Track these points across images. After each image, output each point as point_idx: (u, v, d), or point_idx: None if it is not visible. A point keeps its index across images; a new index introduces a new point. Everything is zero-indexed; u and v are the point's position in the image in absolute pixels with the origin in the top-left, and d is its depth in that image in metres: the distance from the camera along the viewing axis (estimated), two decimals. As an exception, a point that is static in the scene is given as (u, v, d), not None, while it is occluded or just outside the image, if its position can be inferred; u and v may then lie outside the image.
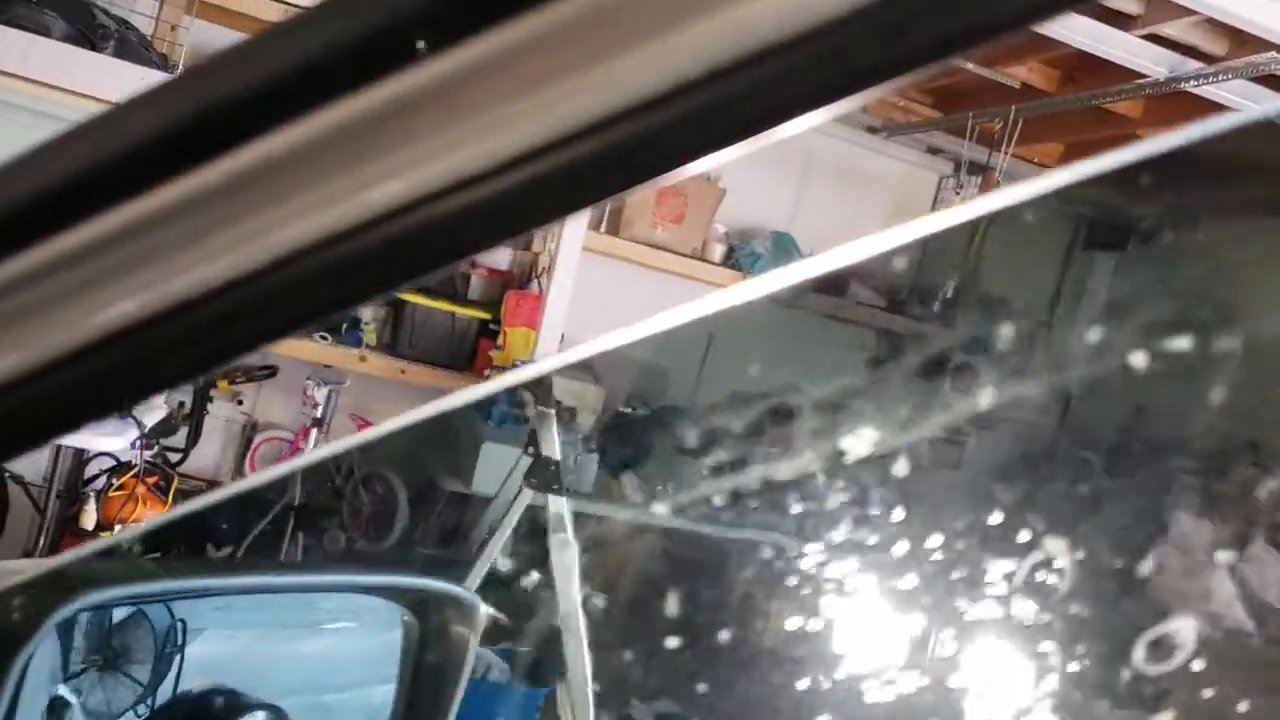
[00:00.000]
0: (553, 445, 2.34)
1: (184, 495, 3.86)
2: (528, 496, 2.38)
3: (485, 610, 1.14)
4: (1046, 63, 4.42)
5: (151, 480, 3.68)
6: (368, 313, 4.66)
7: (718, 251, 5.13)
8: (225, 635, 1.19)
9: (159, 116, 0.36)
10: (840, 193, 5.43)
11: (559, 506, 2.24)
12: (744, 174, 5.01)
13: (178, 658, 1.11)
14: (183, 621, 1.12)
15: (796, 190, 5.39)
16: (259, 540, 3.66)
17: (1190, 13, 3.32)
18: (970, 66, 4.26)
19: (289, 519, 3.75)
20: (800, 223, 5.37)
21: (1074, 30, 3.60)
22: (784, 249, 5.20)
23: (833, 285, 5.21)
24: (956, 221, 0.50)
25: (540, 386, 2.47)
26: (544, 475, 2.30)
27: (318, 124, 0.34)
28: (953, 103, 5.09)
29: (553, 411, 2.33)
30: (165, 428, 3.96)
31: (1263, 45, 3.37)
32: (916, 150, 5.60)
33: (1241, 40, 3.45)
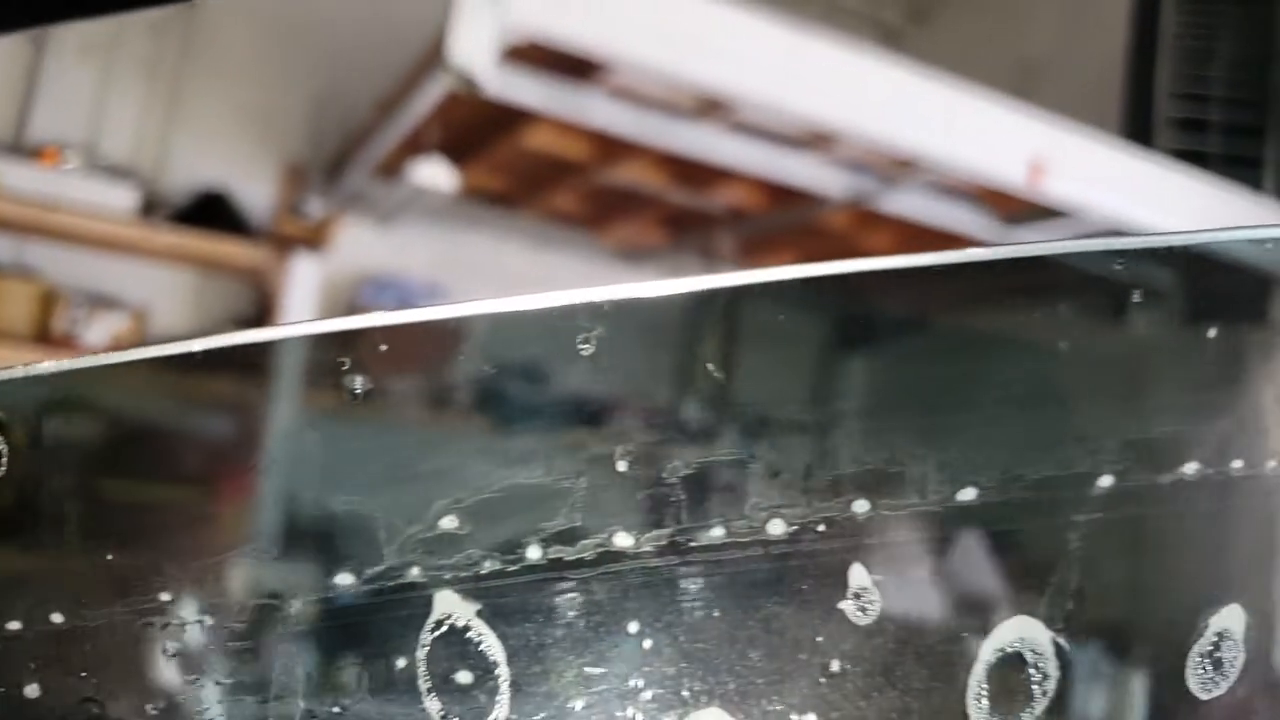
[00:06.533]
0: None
1: None
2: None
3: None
4: (754, 187, 4.64)
5: None
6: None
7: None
8: None
9: None
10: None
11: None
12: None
13: None
14: None
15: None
16: None
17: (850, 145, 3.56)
18: (675, 198, 4.45)
19: None
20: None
21: (751, 161, 3.81)
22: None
23: (591, 417, 5.23)
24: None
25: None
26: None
27: None
28: (682, 228, 5.27)
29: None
30: None
31: (924, 166, 3.63)
32: (662, 275, 5.75)
33: (905, 163, 3.69)
